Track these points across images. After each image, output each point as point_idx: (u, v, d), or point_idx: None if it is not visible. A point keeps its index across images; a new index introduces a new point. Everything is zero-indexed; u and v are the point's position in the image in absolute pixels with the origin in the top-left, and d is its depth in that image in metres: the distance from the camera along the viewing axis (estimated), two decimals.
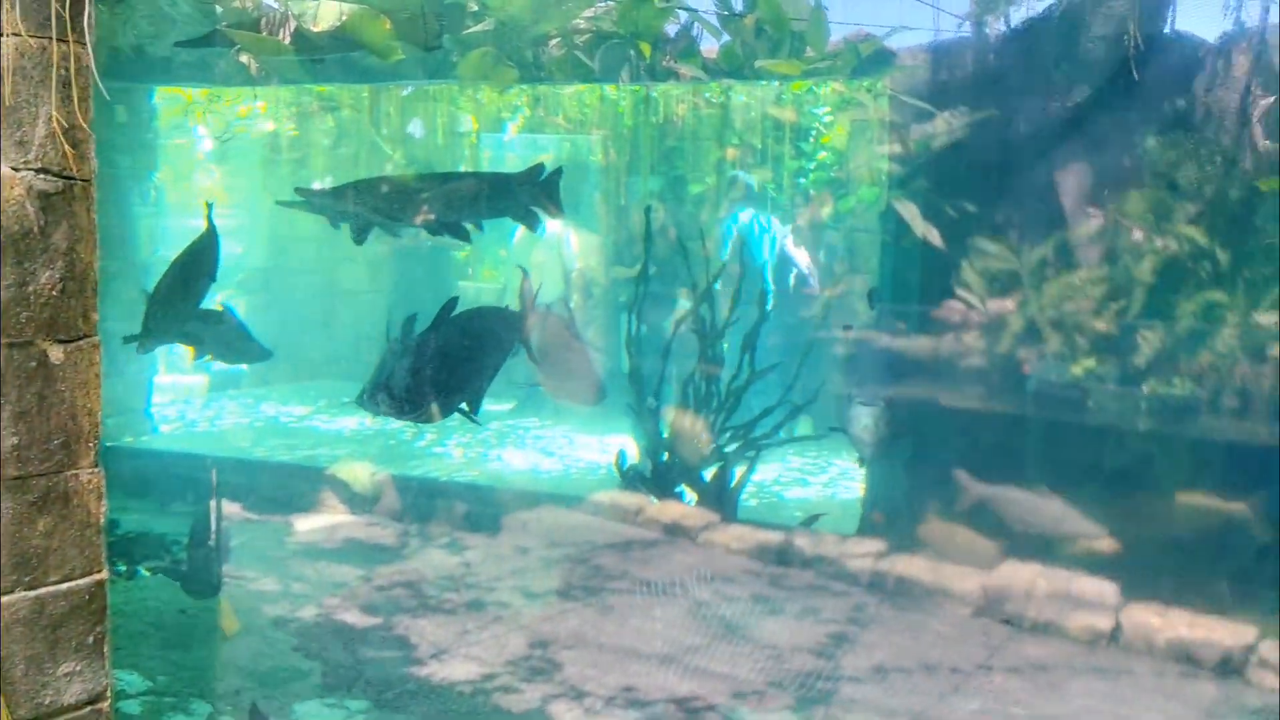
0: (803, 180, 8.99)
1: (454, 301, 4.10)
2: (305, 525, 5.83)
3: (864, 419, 5.61)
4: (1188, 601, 4.52)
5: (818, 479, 7.41)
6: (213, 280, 4.54)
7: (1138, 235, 6.03)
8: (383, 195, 4.63)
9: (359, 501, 6.03)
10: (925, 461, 5.56)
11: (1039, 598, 4.66)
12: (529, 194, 4.54)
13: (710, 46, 6.89)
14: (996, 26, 6.62)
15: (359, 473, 6.12)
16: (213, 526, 4.31)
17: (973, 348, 6.32)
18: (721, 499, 5.81)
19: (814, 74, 6.35)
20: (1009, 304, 6.44)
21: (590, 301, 9.63)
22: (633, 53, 6.53)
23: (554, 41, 6.42)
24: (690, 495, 6.05)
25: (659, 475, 6.04)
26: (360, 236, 4.68)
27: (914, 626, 4.67)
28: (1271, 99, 5.97)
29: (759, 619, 4.71)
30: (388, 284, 10.68)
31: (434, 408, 3.80)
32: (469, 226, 4.66)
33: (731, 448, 5.93)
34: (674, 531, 5.76)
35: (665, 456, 6.06)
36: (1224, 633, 4.31)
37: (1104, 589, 4.65)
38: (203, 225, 4.53)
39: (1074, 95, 6.27)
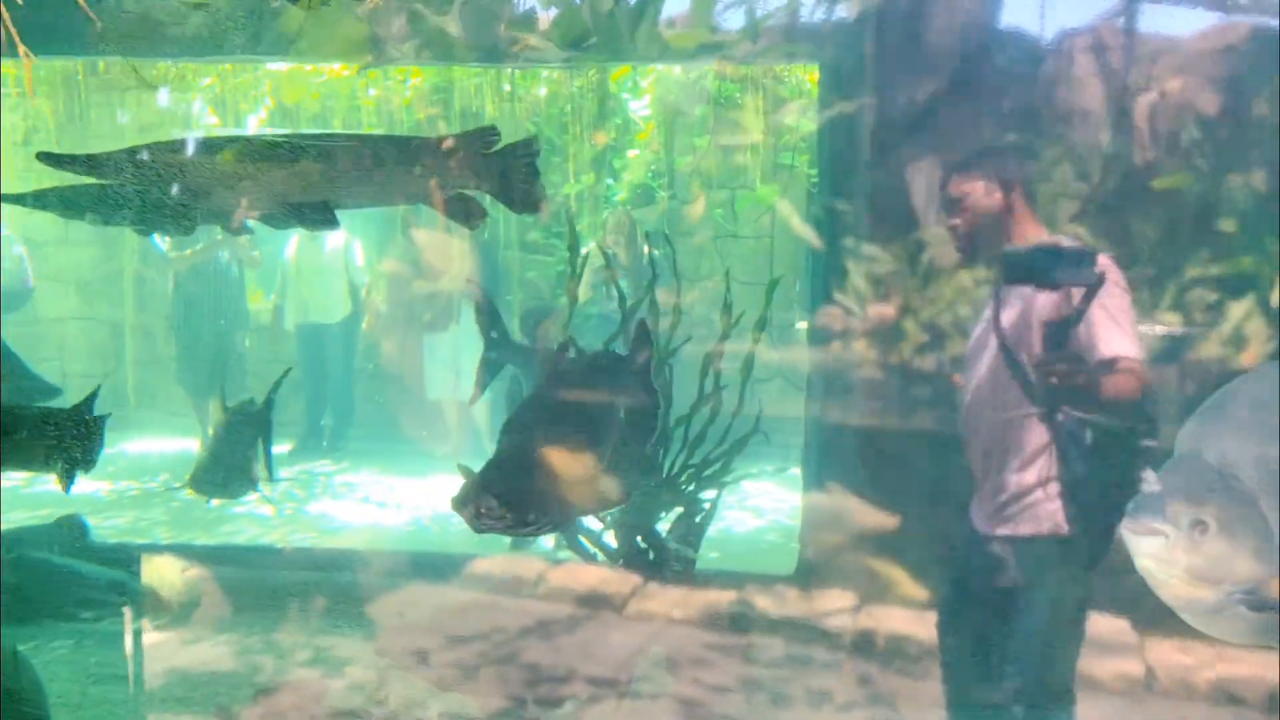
0: (611, 182, 8.19)
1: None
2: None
3: None
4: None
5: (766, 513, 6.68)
6: None
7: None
8: (194, 165, 3.09)
9: (169, 612, 4.48)
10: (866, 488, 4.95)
11: None
12: (477, 168, 3.19)
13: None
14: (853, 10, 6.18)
15: (165, 572, 4.55)
16: None
17: (863, 357, 5.84)
18: (680, 555, 4.86)
19: (712, 50, 5.53)
20: (889, 308, 6.03)
21: (383, 322, 8.28)
22: None
23: None
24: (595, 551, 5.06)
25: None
26: (150, 227, 3.18)
27: (935, 697, 3.98)
28: (1153, 95, 5.94)
29: (769, 712, 3.85)
30: (110, 309, 8.72)
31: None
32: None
33: (690, 489, 4.96)
34: (592, 603, 4.75)
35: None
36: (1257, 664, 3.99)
37: (1119, 626, 4.22)
38: None
39: (926, 89, 5.93)
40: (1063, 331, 2.58)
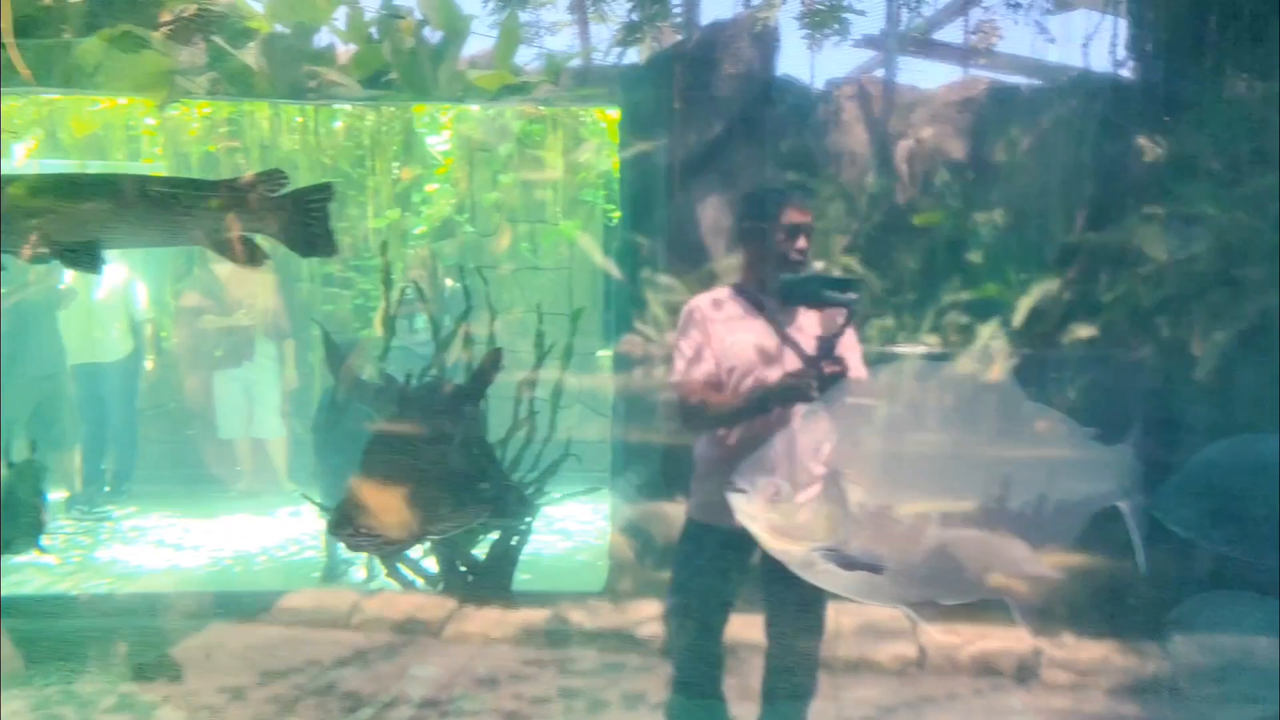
0: (412, 216, 8.23)
1: None
2: None
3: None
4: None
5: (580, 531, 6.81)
6: None
7: None
8: None
9: None
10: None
11: (847, 636, 4.56)
12: (263, 210, 3.19)
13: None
14: (643, 53, 6.58)
15: None
16: None
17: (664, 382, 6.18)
18: (495, 577, 4.97)
19: (514, 91, 5.74)
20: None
21: (171, 359, 7.97)
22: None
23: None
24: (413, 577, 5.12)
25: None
26: None
27: (741, 693, 4.30)
28: (910, 142, 6.62)
29: (587, 717, 4.04)
30: None
31: None
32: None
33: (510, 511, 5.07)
34: (409, 629, 4.81)
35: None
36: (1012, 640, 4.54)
37: (894, 613, 4.68)
38: None
39: (713, 130, 6.38)
40: (830, 349, 2.94)
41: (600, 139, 7.45)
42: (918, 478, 2.74)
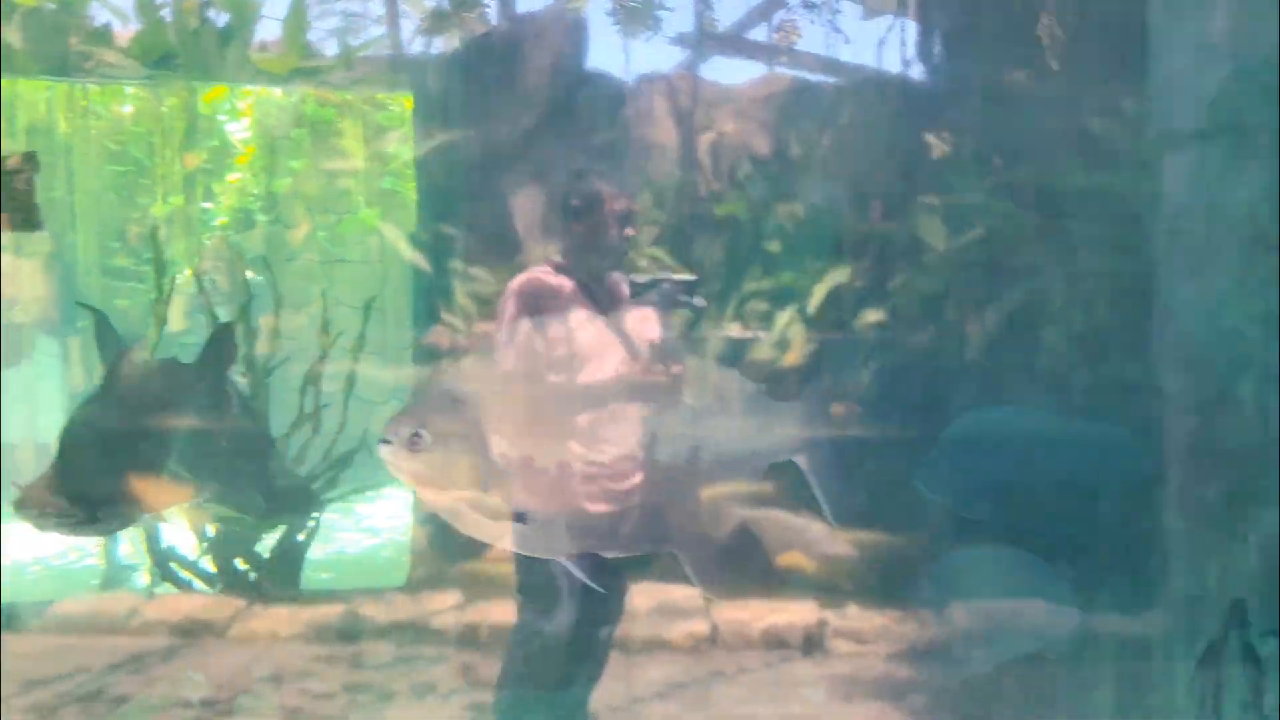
0: (209, 206, 7.88)
1: None
2: None
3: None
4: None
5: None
6: None
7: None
8: None
9: None
10: None
11: (641, 616, 4.62)
12: None
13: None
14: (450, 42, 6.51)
15: None
16: None
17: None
18: (282, 574, 4.78)
19: (306, 75, 5.56)
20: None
21: None
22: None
23: None
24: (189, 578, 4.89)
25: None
26: None
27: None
28: (714, 135, 6.77)
29: (374, 708, 3.95)
30: None
31: None
32: None
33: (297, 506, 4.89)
34: (191, 631, 4.60)
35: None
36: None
37: (693, 594, 4.77)
38: None
39: (523, 122, 6.38)
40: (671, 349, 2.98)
41: (406, 127, 7.32)
42: (564, 429, 2.78)
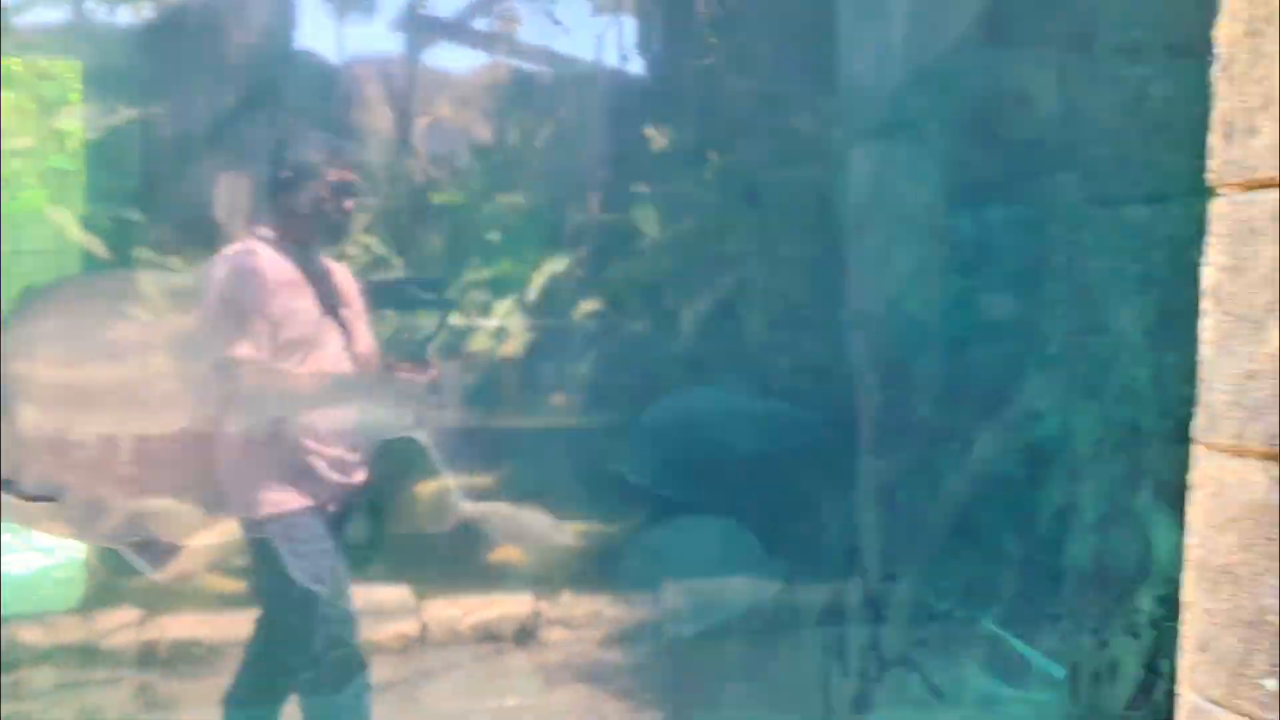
0: None
1: None
2: None
3: None
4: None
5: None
6: None
7: None
8: None
9: None
10: None
11: None
12: None
13: None
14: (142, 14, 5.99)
15: None
16: None
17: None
18: None
19: None
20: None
21: None
22: None
23: None
24: None
25: None
26: None
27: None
28: (430, 121, 6.59)
29: None
30: None
31: None
32: None
33: None
34: None
35: None
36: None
37: (402, 593, 4.58)
38: None
39: (224, 101, 5.99)
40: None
41: (82, 103, 6.63)
42: (108, 405, 2.60)
